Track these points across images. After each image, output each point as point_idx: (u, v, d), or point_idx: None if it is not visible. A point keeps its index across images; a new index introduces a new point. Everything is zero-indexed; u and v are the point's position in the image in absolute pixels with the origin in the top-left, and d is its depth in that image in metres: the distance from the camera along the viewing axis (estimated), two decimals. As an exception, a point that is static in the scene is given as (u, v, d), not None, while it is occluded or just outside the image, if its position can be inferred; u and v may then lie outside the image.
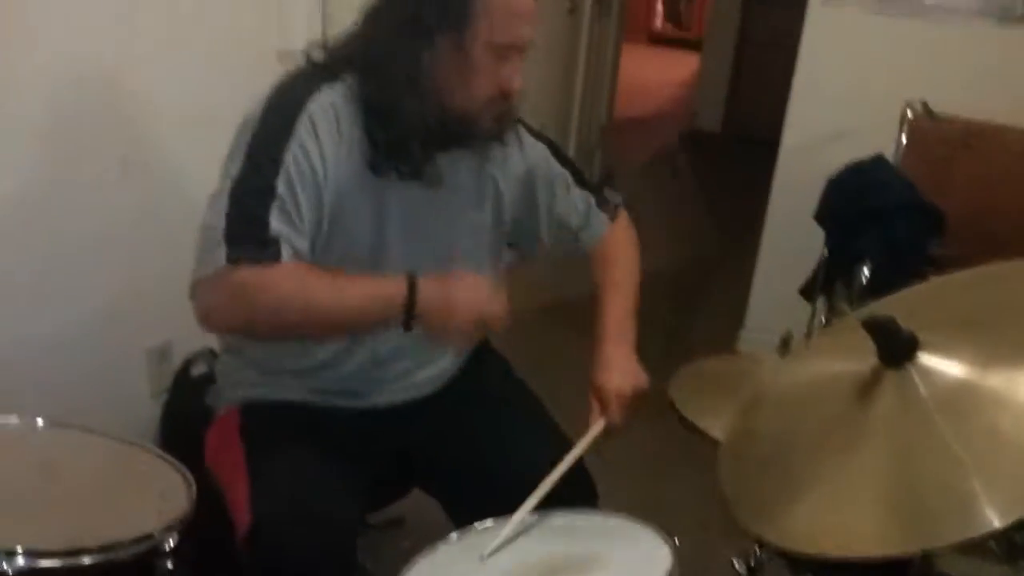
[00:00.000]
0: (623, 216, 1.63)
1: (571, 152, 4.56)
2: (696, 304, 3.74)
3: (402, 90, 1.27)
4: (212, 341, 1.67)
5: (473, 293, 1.26)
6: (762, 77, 5.96)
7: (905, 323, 0.98)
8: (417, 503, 1.64)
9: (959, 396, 0.91)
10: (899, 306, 1.11)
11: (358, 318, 1.29)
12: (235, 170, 1.25)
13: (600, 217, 1.58)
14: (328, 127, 1.27)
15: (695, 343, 3.25)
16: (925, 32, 2.77)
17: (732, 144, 6.26)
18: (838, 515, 0.91)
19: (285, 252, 1.24)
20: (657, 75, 8.06)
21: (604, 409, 1.40)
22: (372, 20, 1.32)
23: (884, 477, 0.91)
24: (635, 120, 6.49)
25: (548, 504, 1.30)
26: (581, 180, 1.57)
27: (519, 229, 1.54)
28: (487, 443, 1.47)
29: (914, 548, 0.88)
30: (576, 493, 1.37)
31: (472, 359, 1.57)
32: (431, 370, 1.49)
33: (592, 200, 1.57)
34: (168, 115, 1.95)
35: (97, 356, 1.91)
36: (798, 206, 2.69)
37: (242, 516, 1.29)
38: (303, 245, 1.27)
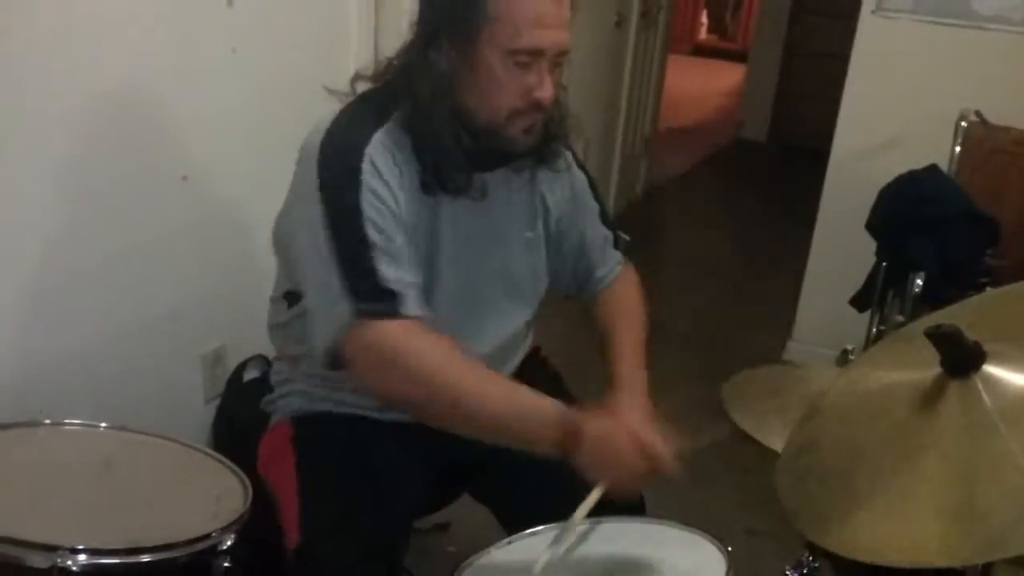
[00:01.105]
0: (629, 264, 1.61)
1: (616, 161, 4.56)
2: (744, 315, 3.71)
3: (430, 106, 1.26)
4: (265, 346, 1.69)
5: (642, 443, 1.18)
6: (808, 87, 5.93)
7: (968, 333, 0.96)
8: (462, 507, 1.65)
9: (1024, 406, 0.90)
10: (960, 316, 1.09)
11: (503, 423, 1.23)
12: (319, 223, 1.23)
13: (615, 255, 1.58)
14: (387, 165, 1.26)
15: (743, 354, 3.21)
16: (978, 41, 2.73)
17: (778, 154, 6.21)
18: (901, 525, 0.90)
19: (410, 296, 1.23)
20: (701, 86, 8.02)
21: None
22: (407, 44, 1.32)
23: (947, 487, 0.90)
24: (681, 130, 6.47)
25: (596, 512, 1.29)
26: (605, 217, 1.57)
27: (553, 249, 1.51)
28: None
29: (977, 559, 0.86)
30: (623, 501, 1.36)
31: (525, 368, 1.57)
32: None
33: (610, 236, 1.57)
34: (226, 137, 1.99)
35: (154, 360, 1.95)
36: (848, 216, 2.67)
37: (292, 530, 1.30)
38: (416, 296, 1.25)
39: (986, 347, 0.95)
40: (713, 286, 3.92)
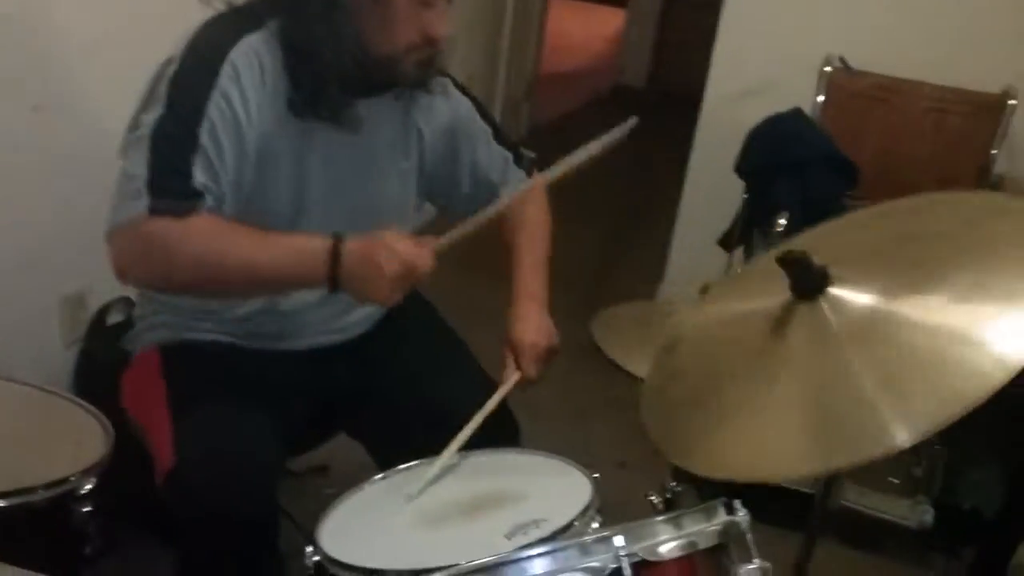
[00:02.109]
0: (536, 176, 1.61)
1: (498, 105, 4.55)
2: (619, 258, 3.78)
3: (320, 31, 1.24)
4: (129, 289, 1.63)
5: (398, 251, 1.20)
6: (687, 34, 6.00)
7: (816, 259, 1.01)
8: (341, 450, 1.64)
9: (869, 323, 0.95)
10: (808, 243, 1.14)
11: (279, 275, 1.25)
12: (154, 117, 1.22)
13: (518, 173, 1.59)
14: (251, 74, 1.25)
15: (617, 293, 3.29)
16: (843, -12, 2.83)
17: (657, 99, 6.30)
18: (758, 442, 0.95)
19: (207, 204, 1.22)
20: (583, 31, 8.04)
21: (519, 363, 1.42)
22: None
23: (800, 404, 0.95)
24: (562, 75, 6.48)
25: (472, 445, 1.32)
26: (500, 137, 1.57)
27: (440, 180, 1.53)
28: (412, 384, 1.48)
29: (828, 467, 0.92)
30: (499, 433, 1.39)
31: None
32: (356, 314, 1.49)
33: (510, 157, 1.58)
34: (84, 58, 1.88)
35: (10, 304, 1.85)
36: (719, 160, 2.74)
37: (164, 456, 1.27)
38: (225, 197, 1.25)
39: (832, 270, 1.00)
40: (589, 231, 3.98)
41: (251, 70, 1.25)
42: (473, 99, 1.55)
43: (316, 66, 1.26)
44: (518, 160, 1.60)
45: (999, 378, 0.83)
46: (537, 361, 1.43)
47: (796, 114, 2.54)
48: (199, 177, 1.22)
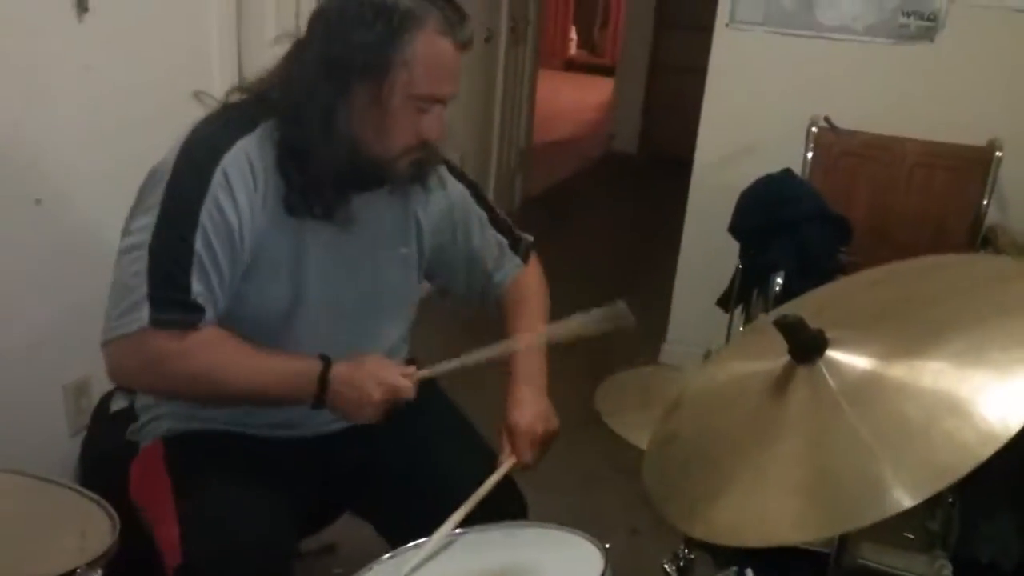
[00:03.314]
0: (534, 259, 1.65)
1: (492, 177, 4.61)
2: (620, 320, 3.79)
3: (316, 134, 1.26)
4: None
5: (382, 378, 1.28)
6: (675, 99, 6.13)
7: (813, 322, 1.02)
8: (349, 529, 1.63)
9: (866, 387, 0.96)
10: (808, 306, 1.16)
11: (271, 395, 1.31)
12: (150, 224, 1.24)
13: (514, 260, 1.60)
14: (243, 180, 1.26)
15: (620, 358, 3.28)
16: (825, 50, 2.90)
17: (648, 164, 6.40)
18: (759, 506, 0.94)
19: (208, 315, 1.26)
20: (574, 100, 8.20)
21: (515, 448, 1.42)
22: (293, 60, 1.31)
23: (800, 467, 0.95)
24: (554, 144, 6.59)
25: (479, 521, 1.31)
26: (496, 222, 1.58)
27: (438, 265, 1.55)
28: (416, 462, 1.48)
29: (830, 532, 0.92)
30: (506, 509, 1.39)
31: None
32: None
33: (506, 242, 1.59)
34: (82, 158, 1.92)
35: (14, 393, 1.86)
36: (713, 220, 2.78)
37: (172, 553, 1.27)
38: (220, 301, 1.28)
39: (828, 334, 1.01)
40: (589, 294, 3.96)
41: (243, 176, 1.26)
42: (469, 183, 1.56)
43: (311, 167, 1.27)
44: (514, 246, 1.60)
45: (985, 453, 0.83)
46: (533, 446, 1.42)
47: (786, 174, 2.58)
48: (197, 287, 1.24)
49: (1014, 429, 0.85)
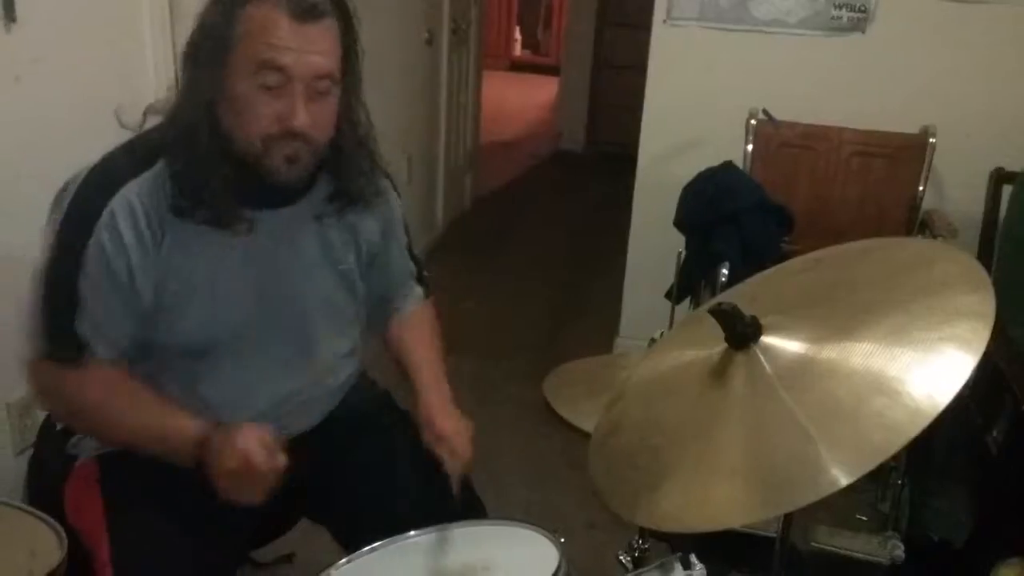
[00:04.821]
0: (432, 299, 1.64)
1: (441, 178, 4.61)
2: (572, 315, 3.83)
3: (193, 132, 1.23)
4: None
5: (242, 444, 1.20)
6: (619, 96, 6.19)
7: (748, 309, 1.04)
8: (307, 536, 1.63)
9: (799, 370, 0.98)
10: (744, 294, 1.18)
11: (150, 448, 1.29)
12: (46, 253, 1.25)
13: (417, 290, 1.61)
14: (131, 219, 1.24)
15: (573, 352, 3.32)
16: (760, 44, 2.95)
17: (596, 161, 6.45)
18: (701, 491, 0.97)
19: (99, 351, 1.27)
20: (520, 100, 8.22)
21: (453, 453, 1.40)
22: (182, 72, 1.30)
23: (739, 452, 0.97)
24: (503, 144, 6.61)
25: (431, 520, 1.32)
26: (411, 249, 1.60)
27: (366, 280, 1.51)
28: (374, 467, 1.47)
29: (770, 513, 0.94)
30: (465, 511, 1.40)
31: (355, 391, 1.56)
32: (295, 417, 1.45)
33: (415, 271, 1.60)
34: (12, 168, 1.88)
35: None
36: (658, 215, 2.81)
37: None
38: (110, 348, 1.28)
39: (763, 320, 1.04)
40: (541, 291, 4.02)
41: (131, 216, 1.24)
42: (400, 199, 1.55)
43: (198, 174, 1.24)
44: (420, 278, 1.62)
45: (914, 430, 0.86)
46: (469, 443, 1.41)
47: (727, 167, 2.62)
48: (81, 328, 1.25)
49: (941, 405, 0.88)
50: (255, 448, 1.19)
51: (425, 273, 1.63)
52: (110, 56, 2.10)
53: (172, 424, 1.26)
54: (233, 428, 1.22)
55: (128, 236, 1.24)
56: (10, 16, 1.82)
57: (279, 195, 1.33)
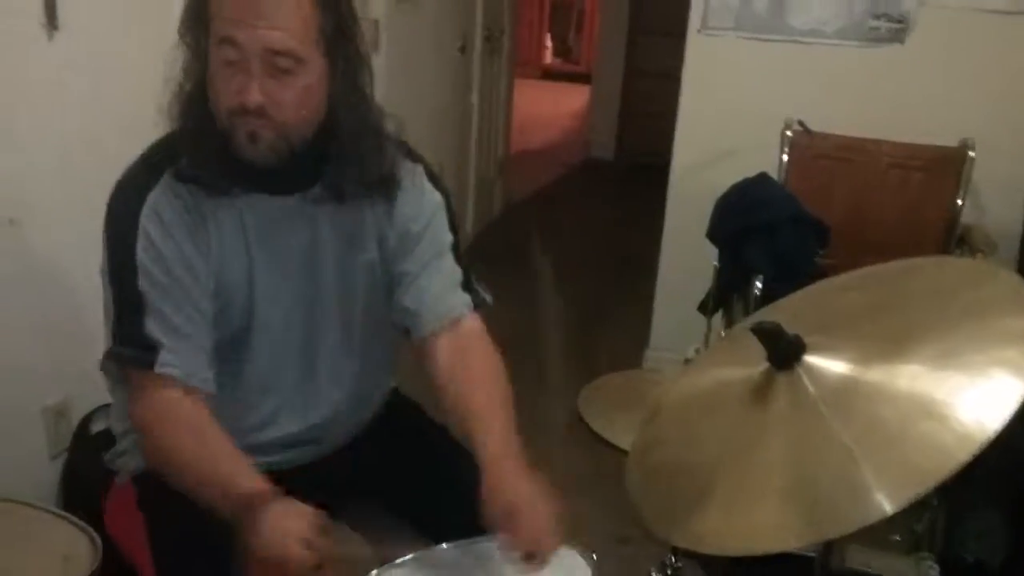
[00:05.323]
0: (481, 320, 1.43)
1: (471, 186, 4.61)
2: (601, 327, 3.81)
3: (187, 108, 1.25)
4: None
5: (289, 550, 1.10)
6: (650, 105, 6.15)
7: (790, 327, 1.03)
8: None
9: (844, 392, 0.97)
10: (785, 312, 1.17)
11: (189, 485, 1.22)
12: (104, 258, 1.27)
13: (463, 297, 1.40)
14: (171, 207, 1.25)
15: (603, 364, 3.30)
16: (797, 54, 2.91)
17: (626, 170, 6.43)
18: (742, 514, 0.95)
19: (165, 353, 1.23)
20: (551, 108, 8.22)
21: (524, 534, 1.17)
22: None
23: (782, 474, 0.95)
24: (532, 152, 6.61)
25: (464, 532, 1.30)
26: (458, 251, 1.43)
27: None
28: (408, 480, 1.44)
29: (813, 539, 0.92)
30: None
31: (384, 407, 1.54)
32: (331, 430, 1.44)
33: (461, 277, 1.41)
34: (57, 174, 1.90)
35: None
36: (691, 226, 2.78)
37: None
38: (191, 351, 1.26)
39: (805, 339, 1.02)
40: (572, 301, 4.01)
41: (172, 207, 1.25)
42: (445, 194, 1.44)
43: (193, 146, 1.25)
44: (468, 285, 1.42)
45: (963, 455, 0.84)
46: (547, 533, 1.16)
47: (762, 178, 2.59)
48: (150, 325, 1.24)
49: (991, 431, 0.86)
50: (293, 546, 1.10)
51: (475, 280, 1.45)
52: (151, 59, 2.12)
53: (221, 477, 1.19)
54: (279, 513, 1.13)
55: (172, 222, 1.25)
56: (52, 24, 1.84)
57: (276, 181, 1.30)
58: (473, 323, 1.41)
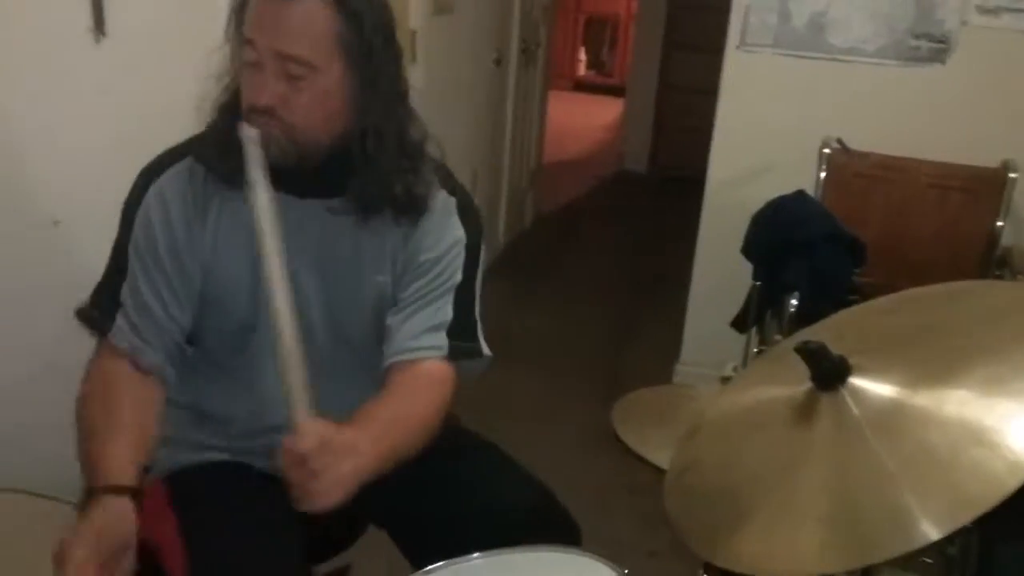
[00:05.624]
0: (453, 370, 1.36)
1: (503, 196, 4.62)
2: (631, 340, 3.79)
3: (221, 105, 1.31)
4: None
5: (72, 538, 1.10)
6: (683, 119, 6.16)
7: (834, 348, 1.02)
8: (361, 550, 1.62)
9: (890, 415, 0.95)
10: (828, 331, 1.15)
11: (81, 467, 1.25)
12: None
13: (440, 339, 1.34)
14: (178, 193, 1.31)
15: (632, 377, 3.29)
16: (836, 72, 2.90)
17: (658, 184, 6.42)
18: (782, 536, 0.94)
19: (120, 327, 1.30)
20: (583, 120, 8.22)
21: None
22: None
23: (824, 497, 0.94)
24: (565, 163, 6.61)
25: (499, 543, 1.30)
26: (462, 297, 1.36)
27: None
28: (443, 483, 1.42)
29: (855, 564, 0.91)
30: (556, 534, 1.33)
31: None
32: None
33: (449, 322, 1.35)
34: (102, 177, 1.92)
35: (31, 417, 1.86)
36: (725, 241, 2.77)
37: None
38: (153, 336, 1.30)
39: (852, 360, 1.01)
40: (601, 313, 4.00)
41: (180, 193, 1.31)
42: (472, 232, 1.37)
43: (225, 136, 1.28)
44: (457, 332, 1.35)
45: (1013, 483, 0.83)
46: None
47: (800, 195, 2.58)
48: (123, 297, 1.31)
49: (1041, 458, 0.84)
50: (68, 549, 1.10)
51: (475, 329, 1.39)
52: (196, 66, 2.14)
53: (104, 452, 1.20)
54: (93, 514, 1.14)
55: (175, 207, 1.30)
56: (100, 30, 1.86)
57: (295, 183, 1.30)
58: (433, 368, 1.34)
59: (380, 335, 1.37)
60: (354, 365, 1.39)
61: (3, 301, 1.76)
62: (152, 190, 1.31)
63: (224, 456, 1.41)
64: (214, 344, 1.38)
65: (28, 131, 1.77)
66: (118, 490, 1.17)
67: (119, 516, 1.15)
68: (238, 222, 1.30)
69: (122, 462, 1.20)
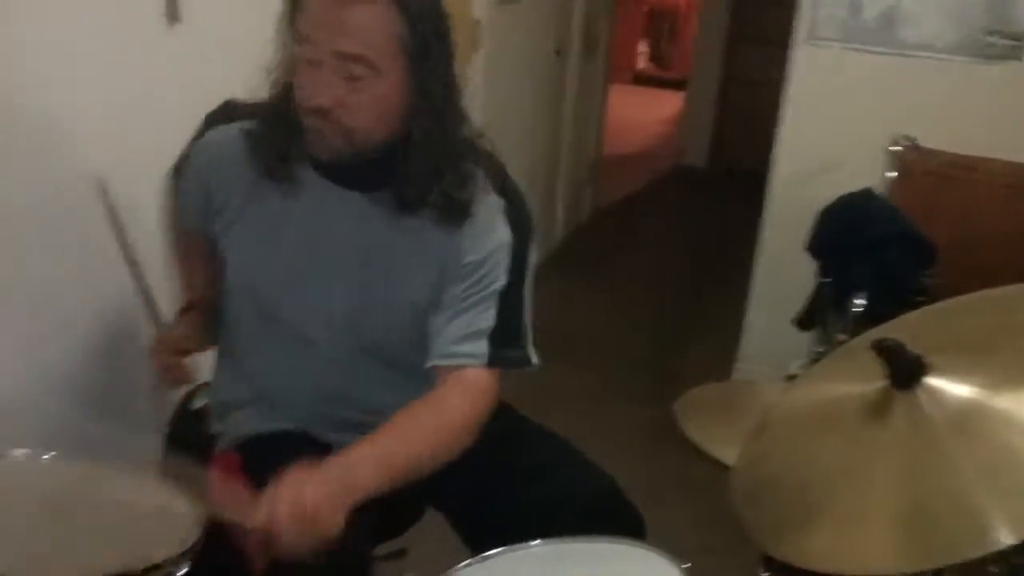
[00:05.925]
0: (492, 376, 1.33)
1: (561, 189, 4.61)
2: (690, 336, 3.77)
3: (274, 96, 1.32)
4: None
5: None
6: (745, 113, 6.08)
7: (911, 347, 1.00)
8: (419, 532, 1.64)
9: (967, 417, 0.94)
10: (903, 330, 1.13)
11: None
12: None
13: (480, 346, 1.32)
14: (216, 156, 1.40)
15: (691, 374, 3.27)
16: (906, 68, 2.84)
17: (719, 178, 6.35)
18: (853, 534, 0.93)
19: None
20: (643, 113, 8.17)
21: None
22: None
23: (896, 497, 0.93)
24: (624, 157, 6.58)
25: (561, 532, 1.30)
26: (507, 301, 1.33)
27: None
28: (512, 469, 1.42)
29: (928, 565, 0.89)
30: (621, 525, 1.33)
31: None
32: None
33: (491, 328, 1.32)
34: (171, 158, 1.96)
35: (98, 391, 1.91)
36: (789, 238, 2.73)
37: (257, 559, 1.26)
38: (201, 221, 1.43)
39: (929, 360, 0.99)
40: (660, 308, 3.98)
41: (219, 149, 1.40)
42: (520, 235, 1.34)
43: (266, 124, 1.33)
44: (498, 338, 1.32)
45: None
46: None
47: (868, 193, 2.53)
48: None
49: None
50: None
51: (522, 335, 1.36)
52: (268, 51, 2.17)
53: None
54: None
55: (209, 169, 1.40)
56: (174, 16, 1.90)
57: (341, 173, 1.32)
58: (471, 376, 1.32)
59: (409, 335, 1.35)
60: (380, 364, 1.39)
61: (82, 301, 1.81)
62: (199, 143, 1.47)
63: (289, 426, 1.44)
64: (248, 322, 1.44)
65: (99, 117, 1.81)
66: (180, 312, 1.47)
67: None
68: (274, 197, 1.35)
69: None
